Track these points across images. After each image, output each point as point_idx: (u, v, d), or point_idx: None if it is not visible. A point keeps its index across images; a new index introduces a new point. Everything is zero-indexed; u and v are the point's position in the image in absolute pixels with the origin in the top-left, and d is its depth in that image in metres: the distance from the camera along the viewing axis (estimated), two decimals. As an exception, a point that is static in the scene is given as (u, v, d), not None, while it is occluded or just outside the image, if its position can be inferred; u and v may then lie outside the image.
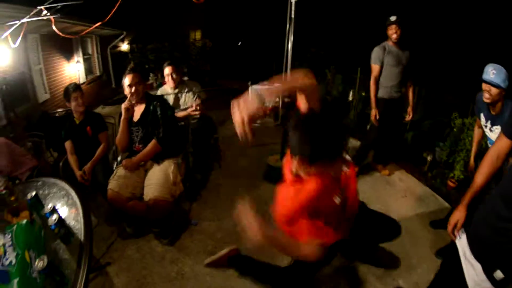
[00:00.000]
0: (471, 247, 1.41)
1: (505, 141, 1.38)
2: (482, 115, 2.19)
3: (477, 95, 2.21)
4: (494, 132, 2.07)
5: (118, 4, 2.41)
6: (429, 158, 3.88)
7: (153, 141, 2.45)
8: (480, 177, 1.47)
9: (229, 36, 10.13)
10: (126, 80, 2.41)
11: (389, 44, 3.14)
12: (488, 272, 1.30)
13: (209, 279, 2.22)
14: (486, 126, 2.16)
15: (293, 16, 2.84)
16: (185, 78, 3.35)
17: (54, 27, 3.04)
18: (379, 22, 3.23)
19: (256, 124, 4.55)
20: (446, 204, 3.22)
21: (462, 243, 1.49)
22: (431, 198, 3.33)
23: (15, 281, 1.07)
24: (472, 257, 1.37)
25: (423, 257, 2.53)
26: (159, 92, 3.37)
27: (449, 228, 1.53)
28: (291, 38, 2.96)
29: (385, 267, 2.41)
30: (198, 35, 11.17)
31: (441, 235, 2.75)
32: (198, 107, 3.16)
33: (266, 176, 3.34)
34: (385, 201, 3.26)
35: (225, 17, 10.57)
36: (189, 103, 3.26)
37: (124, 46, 9.18)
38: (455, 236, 1.51)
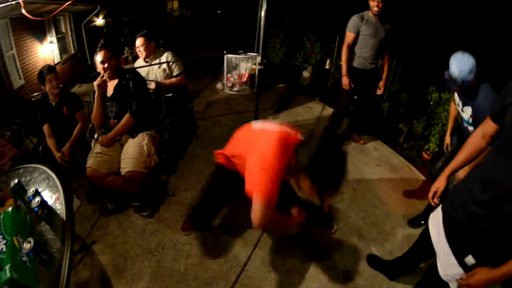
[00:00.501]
0: (444, 227, 1.46)
1: (490, 124, 1.39)
2: (456, 95, 2.22)
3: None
4: (465, 112, 2.11)
5: None
6: (405, 129, 4.01)
7: (127, 115, 2.43)
8: (462, 156, 1.50)
9: (206, 5, 9.73)
10: (98, 57, 2.36)
11: (369, 14, 3.10)
12: (459, 257, 1.34)
13: (187, 248, 2.34)
14: (458, 105, 2.20)
15: None
16: (161, 49, 3.25)
17: (23, 11, 2.92)
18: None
19: (233, 92, 4.52)
20: (420, 175, 3.38)
21: (436, 217, 1.56)
22: (405, 168, 3.48)
23: (7, 267, 1.08)
24: (445, 240, 1.43)
25: (396, 226, 2.68)
26: (135, 65, 3.31)
27: (430, 194, 1.62)
28: (264, 6, 2.86)
29: (358, 234, 2.55)
30: (175, 4, 10.79)
31: (413, 205, 2.91)
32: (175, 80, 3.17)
33: None
34: (359, 169, 3.39)
35: None
36: (161, 73, 3.21)
37: (99, 21, 8.66)
38: (434, 203, 1.60)
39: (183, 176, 2.92)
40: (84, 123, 2.79)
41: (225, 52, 4.79)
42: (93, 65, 2.48)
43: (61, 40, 7.47)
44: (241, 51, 4.93)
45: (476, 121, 1.99)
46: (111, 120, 2.52)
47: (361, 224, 2.65)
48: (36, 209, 1.41)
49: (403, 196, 3.03)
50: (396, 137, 4.08)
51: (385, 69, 3.47)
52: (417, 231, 2.65)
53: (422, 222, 2.64)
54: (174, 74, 3.22)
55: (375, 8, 2.99)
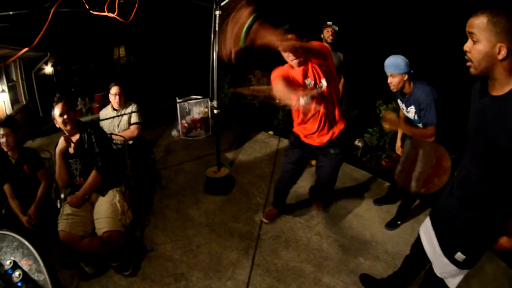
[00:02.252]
0: (434, 229, 1.54)
1: None
2: (398, 101, 2.42)
3: None
4: (410, 113, 2.30)
5: (46, 26, 2.17)
6: (360, 145, 4.21)
7: (93, 172, 2.29)
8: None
9: (154, 50, 9.76)
10: (56, 111, 2.23)
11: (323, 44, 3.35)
12: (450, 255, 1.41)
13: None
14: (403, 109, 2.38)
15: (217, 28, 2.84)
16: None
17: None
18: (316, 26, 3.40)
19: (189, 137, 4.42)
20: (385, 182, 3.50)
21: (425, 226, 1.64)
22: (369, 180, 3.59)
23: None
24: (437, 243, 1.50)
25: (375, 232, 2.72)
26: (101, 116, 3.20)
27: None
28: (216, 49, 2.94)
29: (343, 250, 2.52)
30: (122, 51, 10.60)
31: (385, 209, 3.00)
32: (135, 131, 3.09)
33: (207, 189, 3.28)
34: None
35: (148, 31, 10.16)
36: (125, 125, 3.13)
37: (48, 69, 8.18)
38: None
39: (157, 228, 2.72)
40: (48, 182, 2.54)
41: (177, 98, 4.79)
42: (46, 116, 2.31)
43: (12, 89, 6.76)
44: (192, 96, 4.97)
45: (420, 116, 2.18)
46: (77, 178, 2.35)
47: (343, 240, 2.62)
48: (19, 284, 1.22)
49: (374, 204, 3.10)
50: (354, 154, 4.24)
51: (340, 93, 3.67)
52: (396, 232, 2.72)
53: (398, 223, 2.70)
54: (132, 122, 3.13)
55: (330, 38, 3.24)
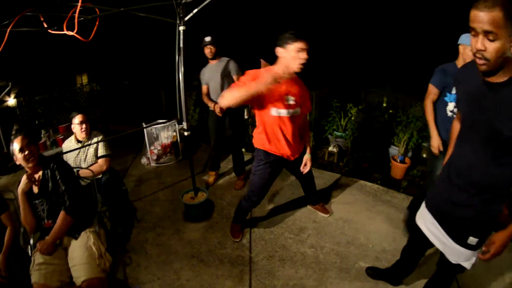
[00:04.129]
0: (438, 220, 1.50)
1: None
2: (450, 96, 2.17)
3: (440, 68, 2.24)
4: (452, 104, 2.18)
5: (2, 45, 1.95)
6: (335, 150, 4.19)
7: (62, 213, 2.03)
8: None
9: (114, 77, 9.31)
10: (15, 145, 1.98)
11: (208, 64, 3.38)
12: (462, 241, 1.38)
13: None
14: (452, 102, 2.15)
15: (181, 45, 2.68)
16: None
17: None
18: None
19: (159, 164, 4.11)
20: (366, 183, 3.49)
21: (423, 215, 1.61)
22: (350, 183, 3.54)
23: None
24: (444, 232, 1.46)
25: (368, 234, 2.66)
26: (64, 148, 2.90)
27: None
28: (182, 69, 2.76)
29: (341, 258, 2.42)
30: (84, 79, 10.01)
31: (376, 211, 2.97)
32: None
33: (187, 216, 3.05)
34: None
35: (110, 53, 9.71)
36: (92, 158, 2.85)
37: (11, 101, 7.44)
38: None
39: (140, 266, 2.43)
40: (14, 226, 2.22)
41: (143, 124, 4.53)
42: (9, 153, 2.03)
43: (-26, 124, 6.10)
44: (159, 120, 4.74)
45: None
46: (45, 221, 2.07)
47: (339, 248, 2.52)
48: None
49: (360, 205, 3.06)
50: (330, 160, 4.22)
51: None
52: (389, 229, 2.69)
53: None
54: (99, 155, 2.86)
55: (210, 54, 3.23)
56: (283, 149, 2.22)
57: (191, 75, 6.97)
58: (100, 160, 2.83)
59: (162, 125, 4.70)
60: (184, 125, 2.97)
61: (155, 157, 4.71)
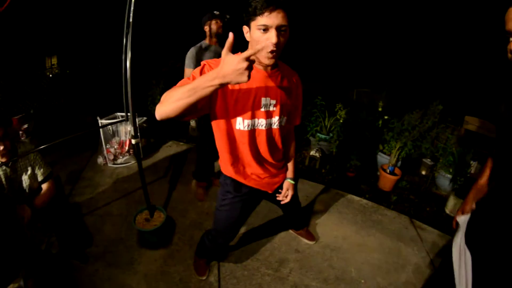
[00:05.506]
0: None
1: None
2: None
3: None
4: None
5: None
6: (318, 155, 3.74)
7: None
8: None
9: (87, 59, 8.18)
10: None
11: (206, 42, 2.70)
12: None
13: None
14: None
15: (131, 19, 1.93)
16: (25, 139, 2.05)
17: None
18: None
19: (117, 165, 3.34)
20: (353, 197, 3.10)
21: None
22: (335, 197, 3.13)
23: None
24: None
25: (360, 267, 2.25)
26: None
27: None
28: (129, 54, 2.01)
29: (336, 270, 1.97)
30: (54, 61, 8.72)
31: (365, 233, 2.57)
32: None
33: (142, 241, 2.47)
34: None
35: (83, 38, 8.53)
36: (29, 181, 2.04)
37: None
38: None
39: None
40: None
41: (98, 118, 3.83)
42: None
43: None
44: (118, 114, 4.06)
45: None
46: None
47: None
48: None
49: (349, 227, 2.65)
50: (311, 165, 3.79)
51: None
52: (381, 259, 2.30)
53: None
54: (41, 179, 2.10)
55: (220, 30, 2.66)
56: (257, 179, 1.56)
57: (164, 60, 6.20)
58: (44, 187, 2.11)
59: (120, 119, 4.01)
60: (131, 129, 2.30)
61: (112, 157, 4.03)
